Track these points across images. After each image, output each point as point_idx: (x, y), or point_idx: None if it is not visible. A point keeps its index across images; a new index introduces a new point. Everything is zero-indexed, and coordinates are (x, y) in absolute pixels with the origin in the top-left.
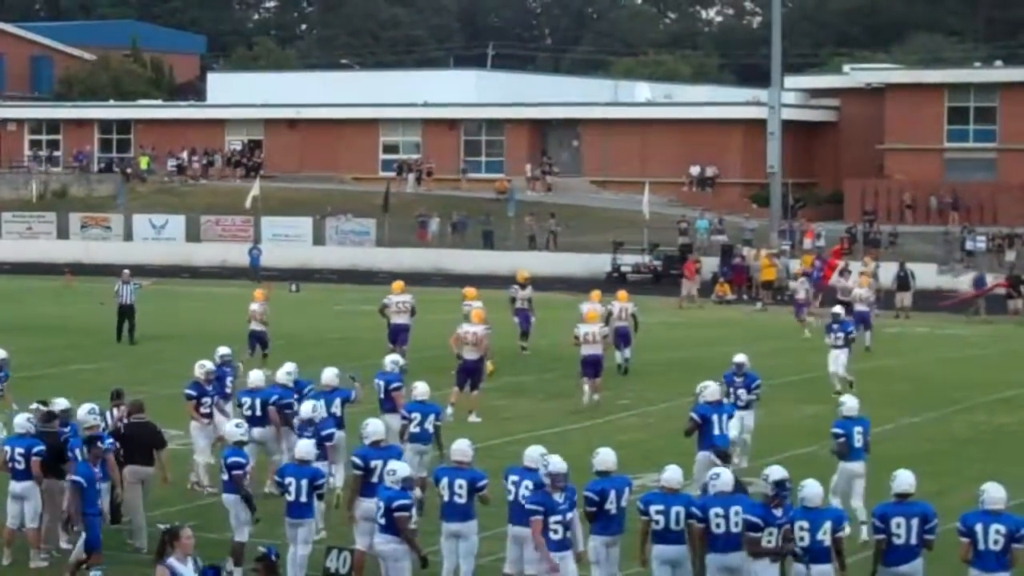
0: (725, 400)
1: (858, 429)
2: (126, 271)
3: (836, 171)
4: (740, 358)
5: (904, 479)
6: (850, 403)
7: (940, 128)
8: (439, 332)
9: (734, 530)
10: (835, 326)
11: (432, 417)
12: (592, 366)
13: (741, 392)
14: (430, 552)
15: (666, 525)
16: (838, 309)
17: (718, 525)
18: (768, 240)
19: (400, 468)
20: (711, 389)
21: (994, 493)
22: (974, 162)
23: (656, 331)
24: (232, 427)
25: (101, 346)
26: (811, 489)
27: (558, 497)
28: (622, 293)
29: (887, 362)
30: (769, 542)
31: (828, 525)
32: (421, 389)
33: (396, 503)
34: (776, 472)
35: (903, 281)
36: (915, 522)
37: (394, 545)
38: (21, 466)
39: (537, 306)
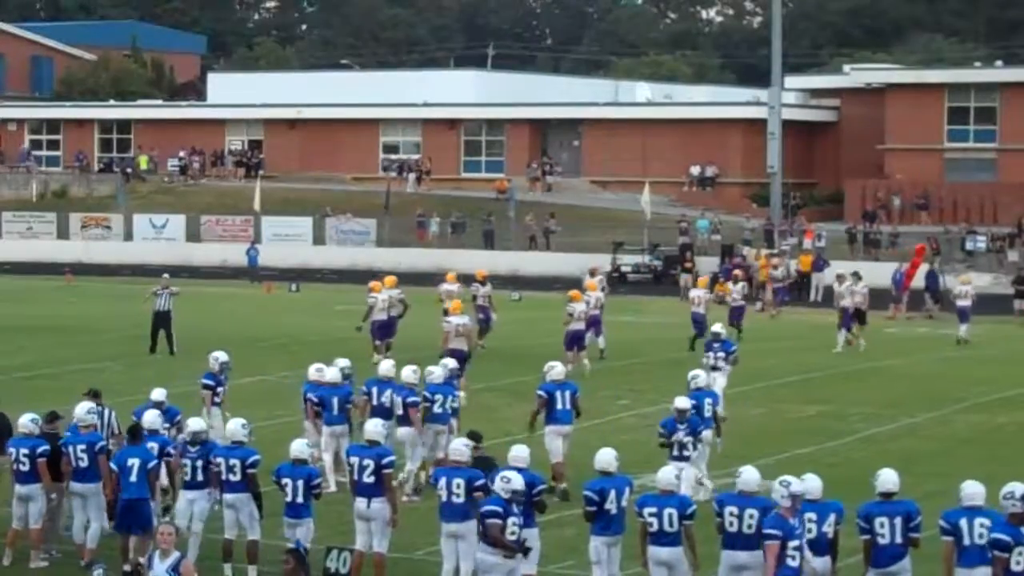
0: None
1: (708, 400)
2: (166, 275)
3: (836, 171)
4: (682, 403)
5: (887, 478)
6: (702, 376)
7: (940, 128)
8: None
9: (746, 531)
10: (715, 345)
11: (450, 399)
12: (577, 340)
13: (687, 441)
14: (430, 552)
15: (660, 527)
16: (718, 328)
17: (731, 524)
18: (770, 240)
19: (514, 478)
20: (557, 370)
21: (972, 489)
22: (974, 162)
23: (656, 331)
24: (237, 426)
25: (101, 346)
26: (812, 483)
27: (794, 521)
28: (591, 283)
29: (887, 362)
30: (1019, 563)
31: (832, 517)
32: (438, 373)
33: (485, 508)
34: (1020, 488)
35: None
36: (898, 521)
37: (492, 558)
38: (26, 468)
39: (536, 307)
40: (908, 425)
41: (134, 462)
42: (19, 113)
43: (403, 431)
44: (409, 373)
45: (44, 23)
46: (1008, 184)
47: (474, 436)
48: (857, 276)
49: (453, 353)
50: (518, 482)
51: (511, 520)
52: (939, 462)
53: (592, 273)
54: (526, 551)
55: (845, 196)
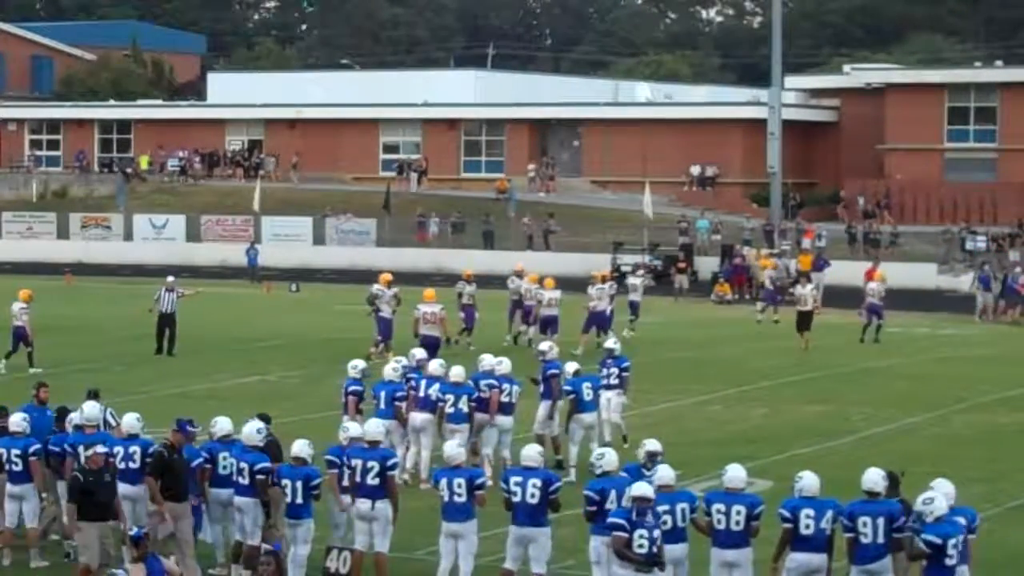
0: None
1: (587, 385)
2: (170, 278)
3: (836, 171)
4: (652, 445)
5: (870, 477)
6: (570, 366)
7: (940, 128)
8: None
9: (734, 528)
10: (608, 361)
11: (465, 398)
12: (550, 324)
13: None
14: (431, 552)
15: (673, 524)
16: (611, 344)
17: (719, 521)
18: (770, 240)
19: (642, 488)
20: (554, 350)
21: (944, 488)
22: (974, 162)
23: (656, 331)
24: (253, 430)
25: (101, 346)
26: (809, 480)
27: None
28: (549, 280)
29: (887, 362)
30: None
31: (830, 514)
32: (456, 371)
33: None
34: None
35: (986, 284)
36: (881, 521)
37: (624, 571)
38: (19, 467)
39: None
40: (908, 425)
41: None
42: (19, 113)
43: (506, 420)
44: (388, 370)
45: (44, 23)
46: (1008, 184)
47: (264, 418)
48: (807, 279)
49: (425, 339)
50: (640, 489)
51: (638, 532)
52: (939, 462)
53: (518, 274)
54: (661, 564)
55: (840, 196)
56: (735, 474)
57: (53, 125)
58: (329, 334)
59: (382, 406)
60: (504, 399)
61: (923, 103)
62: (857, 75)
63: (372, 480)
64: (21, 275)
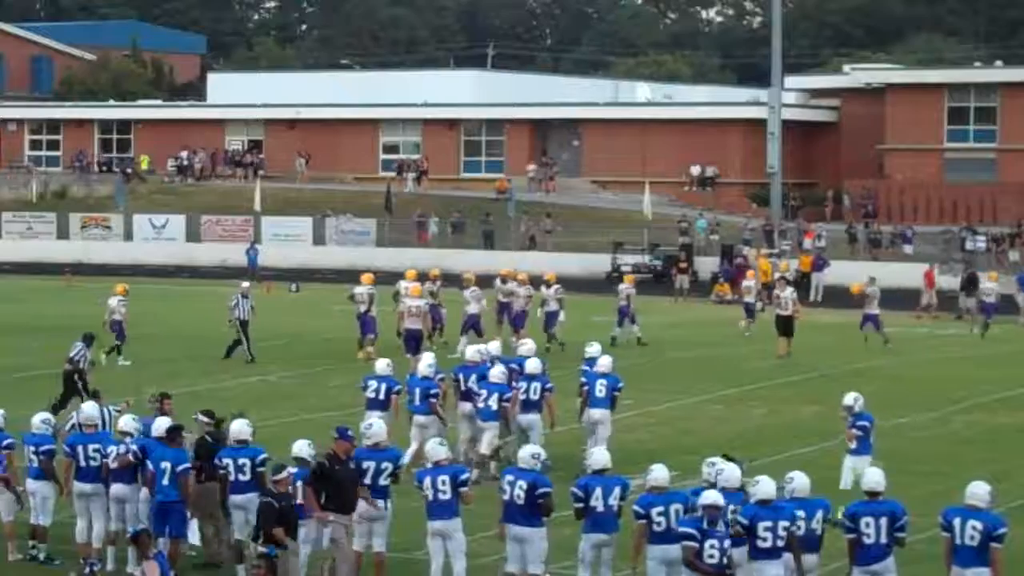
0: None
1: (601, 382)
2: (245, 283)
3: (836, 171)
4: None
5: (871, 477)
6: (603, 360)
7: (940, 128)
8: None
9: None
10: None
11: (496, 396)
12: (515, 318)
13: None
14: (422, 551)
15: (667, 525)
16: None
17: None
18: (770, 240)
19: (712, 497)
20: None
21: (975, 489)
22: (974, 162)
23: (656, 331)
24: (243, 425)
25: (101, 346)
26: (800, 481)
27: None
28: (523, 275)
29: (887, 362)
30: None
31: (820, 514)
32: (497, 371)
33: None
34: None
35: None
36: (883, 521)
37: None
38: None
39: (533, 306)
40: (907, 425)
41: (166, 464)
42: (19, 113)
43: (530, 418)
44: (424, 367)
45: (44, 23)
46: (1008, 184)
47: (208, 413)
48: (786, 281)
49: (409, 332)
50: (711, 498)
51: (709, 542)
52: (939, 462)
53: (503, 279)
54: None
55: (829, 196)
56: (731, 474)
57: (53, 125)
58: (329, 334)
59: (416, 402)
60: (522, 397)
61: (923, 103)
62: (857, 75)
63: (384, 481)
64: (21, 275)
